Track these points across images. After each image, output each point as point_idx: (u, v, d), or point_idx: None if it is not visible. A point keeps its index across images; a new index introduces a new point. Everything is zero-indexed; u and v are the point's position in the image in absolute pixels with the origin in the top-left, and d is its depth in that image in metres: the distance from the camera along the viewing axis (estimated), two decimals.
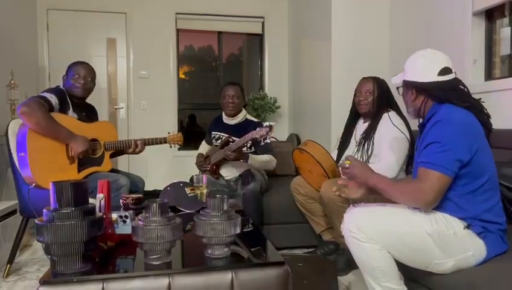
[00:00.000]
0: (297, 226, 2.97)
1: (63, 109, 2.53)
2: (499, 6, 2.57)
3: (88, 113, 2.74)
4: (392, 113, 2.49)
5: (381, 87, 2.53)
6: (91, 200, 1.54)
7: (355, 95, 2.63)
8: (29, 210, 2.40)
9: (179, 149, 4.65)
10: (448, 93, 1.60)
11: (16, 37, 3.90)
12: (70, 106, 2.58)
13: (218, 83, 5.37)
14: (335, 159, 2.59)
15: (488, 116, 1.62)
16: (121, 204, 2.07)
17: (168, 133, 2.92)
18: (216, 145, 3.15)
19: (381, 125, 2.48)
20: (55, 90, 2.54)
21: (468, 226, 1.52)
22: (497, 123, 1.71)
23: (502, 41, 2.61)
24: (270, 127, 2.62)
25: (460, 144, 1.48)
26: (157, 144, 2.84)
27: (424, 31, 3.13)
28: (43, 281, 1.23)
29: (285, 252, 2.81)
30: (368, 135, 2.52)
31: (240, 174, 3.03)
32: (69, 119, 2.52)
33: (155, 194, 2.61)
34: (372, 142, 2.49)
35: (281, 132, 4.87)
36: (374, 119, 2.52)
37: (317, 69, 4.01)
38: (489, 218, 1.53)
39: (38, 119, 2.33)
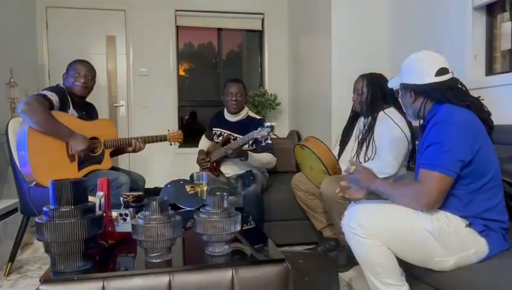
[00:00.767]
0: (297, 223, 2.97)
1: (63, 108, 2.52)
2: (499, 0, 2.55)
3: (88, 112, 2.74)
4: (391, 110, 2.48)
5: (373, 85, 2.51)
6: (91, 198, 1.54)
7: (353, 93, 2.64)
8: (30, 208, 2.40)
9: (179, 146, 4.65)
10: (447, 93, 1.60)
11: (15, 35, 3.89)
12: (71, 104, 2.58)
13: (218, 79, 5.36)
14: (336, 156, 2.59)
15: (489, 114, 1.62)
16: (122, 202, 2.07)
17: (168, 130, 2.92)
18: (217, 142, 3.14)
19: (379, 122, 2.48)
20: (56, 89, 2.54)
21: (469, 225, 1.51)
22: (498, 118, 1.70)
23: (503, 36, 2.60)
24: (272, 127, 2.63)
25: (461, 144, 1.47)
26: (157, 141, 2.83)
27: (425, 26, 3.11)
28: (44, 280, 1.24)
29: (285, 249, 2.81)
30: (368, 132, 2.52)
31: (240, 175, 3.03)
32: (69, 118, 2.52)
33: (156, 191, 2.61)
34: (372, 140, 2.48)
35: (281, 128, 4.86)
36: (372, 117, 2.51)
37: (317, 65, 4.00)
38: (492, 216, 1.53)
39: (38, 118, 2.32)
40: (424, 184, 1.49)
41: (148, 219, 1.34)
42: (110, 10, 4.69)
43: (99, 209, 1.51)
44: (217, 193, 1.43)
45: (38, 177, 2.33)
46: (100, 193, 1.56)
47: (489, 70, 2.67)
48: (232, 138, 3.03)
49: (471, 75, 2.64)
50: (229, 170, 3.09)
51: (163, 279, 1.28)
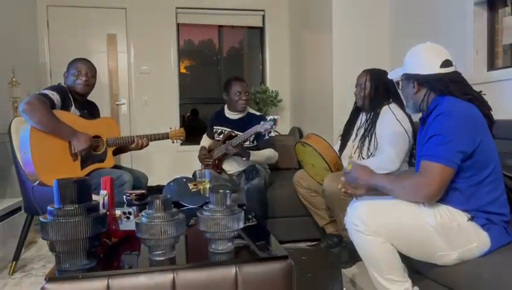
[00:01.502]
0: (300, 220, 2.98)
1: (65, 106, 2.53)
2: None
3: (90, 110, 2.74)
4: (393, 105, 2.48)
5: (377, 80, 2.50)
6: (95, 197, 1.55)
7: (355, 88, 2.63)
8: (34, 207, 2.41)
9: (181, 144, 4.66)
10: (450, 85, 1.60)
11: (17, 35, 3.89)
12: (72, 103, 2.58)
13: (219, 77, 5.36)
14: (337, 152, 2.59)
15: (490, 109, 1.62)
16: (125, 200, 2.08)
17: (170, 128, 2.92)
18: (218, 140, 3.15)
19: (381, 118, 2.48)
20: (57, 88, 2.54)
21: (472, 219, 1.52)
22: (499, 113, 1.70)
23: (505, 30, 2.59)
24: (275, 120, 2.63)
25: (462, 136, 1.48)
26: (159, 139, 2.84)
27: (426, 21, 3.11)
28: (49, 278, 1.25)
29: (288, 246, 2.82)
30: (369, 127, 2.52)
31: (244, 169, 3.03)
32: (71, 117, 2.53)
33: (158, 189, 2.61)
34: (374, 135, 2.48)
35: (283, 125, 4.86)
36: (374, 112, 2.51)
37: (319, 61, 3.99)
38: (493, 209, 1.53)
39: (40, 117, 2.33)
40: (425, 176, 1.49)
41: (152, 217, 1.35)
42: (110, 8, 4.69)
43: (103, 207, 1.51)
44: (220, 191, 1.44)
45: (42, 177, 2.34)
46: (103, 192, 1.57)
47: (491, 65, 2.66)
48: (233, 134, 3.03)
49: (473, 69, 2.64)
50: (231, 167, 3.10)
51: (167, 276, 1.29)
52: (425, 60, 1.65)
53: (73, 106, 2.58)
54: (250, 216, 2.01)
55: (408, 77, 1.70)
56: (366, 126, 2.54)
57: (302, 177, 2.79)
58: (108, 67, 4.72)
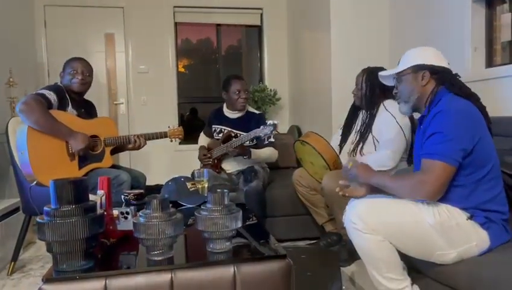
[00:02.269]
0: (299, 218, 2.97)
1: (62, 106, 2.52)
2: None
3: (87, 110, 2.74)
4: (390, 102, 2.46)
5: (372, 79, 2.48)
6: (93, 197, 1.54)
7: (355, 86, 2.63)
8: (32, 208, 2.41)
9: (180, 143, 4.65)
10: (456, 82, 1.63)
11: (14, 35, 3.88)
12: (69, 102, 2.57)
13: (218, 75, 5.35)
14: (336, 149, 2.58)
15: (484, 108, 1.63)
16: (123, 200, 2.07)
17: (169, 127, 2.91)
18: (217, 139, 3.14)
19: (379, 116, 2.48)
20: (54, 88, 2.53)
21: (471, 217, 1.51)
22: (498, 110, 1.71)
23: (503, 27, 2.58)
24: (275, 125, 2.63)
25: (462, 133, 1.48)
26: (157, 138, 2.83)
27: (424, 19, 3.10)
28: (46, 279, 1.24)
29: (287, 244, 2.82)
30: (367, 125, 2.51)
31: (242, 170, 3.02)
32: (68, 116, 2.52)
33: (157, 189, 2.60)
34: (371, 133, 2.48)
35: (281, 124, 4.84)
36: (371, 111, 2.51)
37: (317, 59, 3.99)
38: (492, 207, 1.53)
39: (37, 117, 2.32)
40: (426, 173, 1.48)
41: (149, 217, 1.34)
42: (108, 8, 4.67)
43: (100, 207, 1.50)
44: (218, 190, 1.43)
45: (39, 177, 2.34)
46: (101, 192, 1.56)
47: (489, 63, 2.66)
48: (232, 134, 3.02)
49: (471, 67, 2.63)
50: (230, 166, 3.09)
51: (165, 276, 1.28)
52: (436, 55, 1.69)
53: (70, 106, 2.57)
54: (250, 215, 2.00)
55: (420, 68, 1.67)
56: (364, 124, 2.53)
57: (301, 176, 2.78)
58: (106, 67, 4.71)
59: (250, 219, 1.95)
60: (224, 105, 3.25)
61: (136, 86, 4.77)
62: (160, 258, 1.35)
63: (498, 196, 1.56)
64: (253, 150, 2.94)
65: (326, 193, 2.40)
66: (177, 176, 2.35)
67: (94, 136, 2.60)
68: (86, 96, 2.76)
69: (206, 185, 2.23)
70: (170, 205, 1.41)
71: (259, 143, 3.03)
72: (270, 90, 4.86)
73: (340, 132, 2.75)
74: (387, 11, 3.60)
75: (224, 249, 1.40)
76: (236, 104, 3.10)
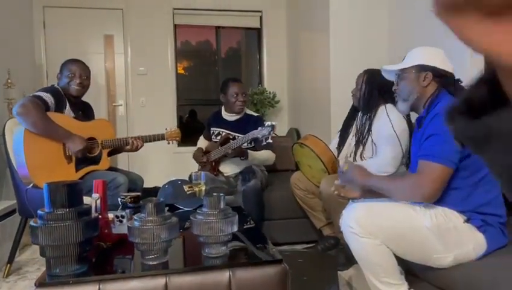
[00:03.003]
0: (297, 222, 2.96)
1: (59, 108, 2.50)
2: None
3: (84, 111, 2.72)
4: (389, 106, 2.45)
5: (372, 81, 2.48)
6: (89, 200, 1.53)
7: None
8: (28, 210, 2.39)
9: (178, 145, 4.64)
10: (459, 87, 1.62)
11: (13, 36, 3.87)
12: (67, 104, 2.56)
13: (217, 78, 5.34)
14: (334, 152, 2.57)
15: None
16: (120, 203, 2.06)
17: (166, 129, 2.90)
18: (215, 142, 3.13)
19: (377, 120, 2.46)
20: (51, 89, 2.52)
21: (467, 220, 1.51)
22: None
23: None
24: (273, 126, 2.62)
25: None
26: (154, 140, 2.82)
27: (424, 22, 3.09)
28: (39, 284, 1.23)
29: (285, 248, 2.80)
30: (365, 129, 2.50)
31: (240, 171, 3.01)
32: (66, 119, 2.50)
33: (154, 191, 2.59)
34: (370, 136, 2.47)
35: (280, 126, 4.82)
36: (370, 114, 2.50)
37: (316, 62, 3.98)
38: (489, 211, 1.52)
39: (34, 120, 2.31)
40: (423, 175, 1.47)
41: (144, 221, 1.33)
42: (107, 9, 4.66)
43: (95, 211, 1.49)
44: (214, 194, 1.42)
45: (36, 179, 2.32)
46: (96, 195, 1.54)
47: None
48: (230, 137, 3.02)
49: (472, 70, 2.62)
50: (228, 168, 3.08)
51: (160, 281, 1.27)
52: (443, 59, 1.67)
53: (67, 108, 2.55)
54: (248, 219, 1.98)
55: (423, 69, 1.66)
56: (362, 128, 2.52)
57: (300, 179, 2.77)
58: (105, 69, 4.70)
59: (248, 223, 1.94)
60: (223, 108, 3.24)
61: (135, 87, 4.76)
62: (155, 262, 1.34)
63: (495, 199, 1.55)
64: (250, 152, 2.93)
65: (324, 196, 2.39)
66: (174, 178, 2.34)
67: (91, 139, 2.58)
68: (85, 98, 2.75)
69: (203, 188, 2.22)
70: (166, 208, 1.40)
71: (256, 145, 3.02)
72: (269, 92, 4.85)
73: (338, 136, 2.74)
74: (386, 14, 3.60)
75: (219, 253, 1.39)
76: (234, 106, 3.09)
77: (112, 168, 2.72)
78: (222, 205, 1.41)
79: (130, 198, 2.07)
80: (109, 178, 2.31)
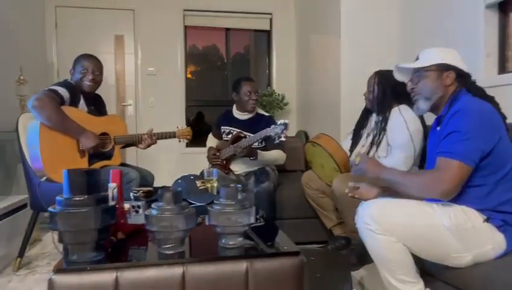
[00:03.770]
0: (307, 221, 2.95)
1: (74, 103, 2.52)
2: None
3: (97, 106, 2.73)
4: (403, 107, 2.45)
5: (384, 82, 2.46)
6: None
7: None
8: (40, 204, 2.40)
9: (186, 146, 4.65)
10: (478, 88, 1.63)
11: (25, 35, 3.90)
12: (81, 99, 2.57)
13: (226, 80, 5.35)
14: (347, 152, 2.56)
15: (503, 114, 1.62)
16: (132, 197, 2.05)
17: (177, 127, 2.91)
18: (226, 140, 3.13)
19: (391, 121, 2.45)
20: (65, 84, 2.53)
21: (487, 219, 1.49)
22: (510, 117, 1.68)
23: None
24: (286, 125, 2.61)
25: (481, 134, 1.45)
26: (166, 138, 2.82)
27: (435, 25, 3.09)
28: (57, 270, 1.22)
29: None
30: (379, 130, 2.49)
31: (253, 171, 3.00)
32: (80, 113, 2.52)
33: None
34: (384, 137, 2.46)
35: (289, 128, 4.82)
36: (384, 115, 2.48)
37: (326, 64, 3.98)
38: (509, 209, 1.50)
39: (49, 113, 2.32)
40: (442, 172, 1.46)
41: (162, 210, 1.32)
42: (118, 10, 4.70)
43: (112, 200, 1.49)
44: (231, 185, 1.42)
45: (49, 172, 2.33)
46: (113, 184, 1.55)
47: (502, 69, 2.64)
48: (242, 135, 3.02)
49: (484, 73, 2.61)
50: (239, 167, 3.08)
51: (177, 270, 1.26)
52: (461, 59, 1.68)
53: (81, 102, 2.57)
54: (258, 216, 1.97)
55: (446, 68, 1.65)
56: (376, 129, 2.51)
57: (311, 179, 2.76)
58: (115, 69, 4.73)
59: (259, 220, 1.93)
60: (234, 106, 3.24)
61: (145, 88, 4.78)
62: (172, 252, 1.33)
63: None
64: (260, 152, 2.92)
65: (337, 196, 2.37)
66: (186, 174, 2.34)
67: (104, 134, 2.59)
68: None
69: (215, 185, 2.22)
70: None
71: (268, 144, 3.01)
72: (278, 94, 4.86)
73: (349, 138, 2.73)
74: (397, 15, 3.60)
75: (236, 244, 1.39)
76: (246, 105, 3.09)
77: (123, 164, 2.72)
78: (239, 196, 1.41)
79: (142, 192, 2.06)
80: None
